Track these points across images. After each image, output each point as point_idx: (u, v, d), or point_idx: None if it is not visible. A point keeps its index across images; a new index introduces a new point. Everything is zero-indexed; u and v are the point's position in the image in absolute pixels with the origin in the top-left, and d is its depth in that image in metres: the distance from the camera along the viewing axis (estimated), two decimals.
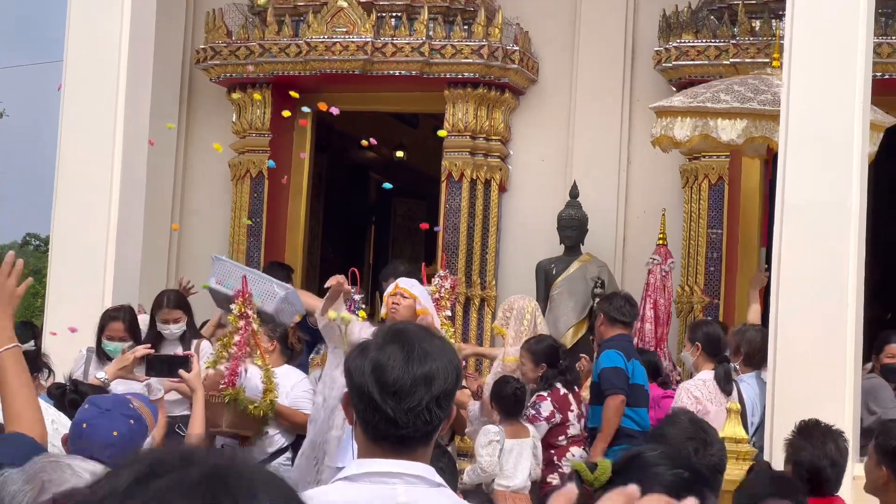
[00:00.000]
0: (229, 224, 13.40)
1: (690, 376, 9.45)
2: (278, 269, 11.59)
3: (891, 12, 11.53)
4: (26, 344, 11.24)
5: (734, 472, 6.18)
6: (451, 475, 6.44)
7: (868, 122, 8.51)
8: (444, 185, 12.88)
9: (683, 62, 12.00)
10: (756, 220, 12.12)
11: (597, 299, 11.54)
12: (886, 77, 11.06)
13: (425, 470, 3.20)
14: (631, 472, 3.06)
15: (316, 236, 14.60)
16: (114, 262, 9.64)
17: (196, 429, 6.68)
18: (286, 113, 12.32)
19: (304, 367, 9.61)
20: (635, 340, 11.12)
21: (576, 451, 9.07)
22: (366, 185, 18.32)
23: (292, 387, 8.56)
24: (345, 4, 11.65)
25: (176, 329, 8.95)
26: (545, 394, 9.13)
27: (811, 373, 8.18)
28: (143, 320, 9.35)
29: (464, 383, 8.92)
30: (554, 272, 12.22)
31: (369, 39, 12.55)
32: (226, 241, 13.37)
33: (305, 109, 10.20)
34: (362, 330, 7.49)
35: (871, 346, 10.02)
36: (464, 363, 9.33)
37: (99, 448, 4.67)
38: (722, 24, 11.99)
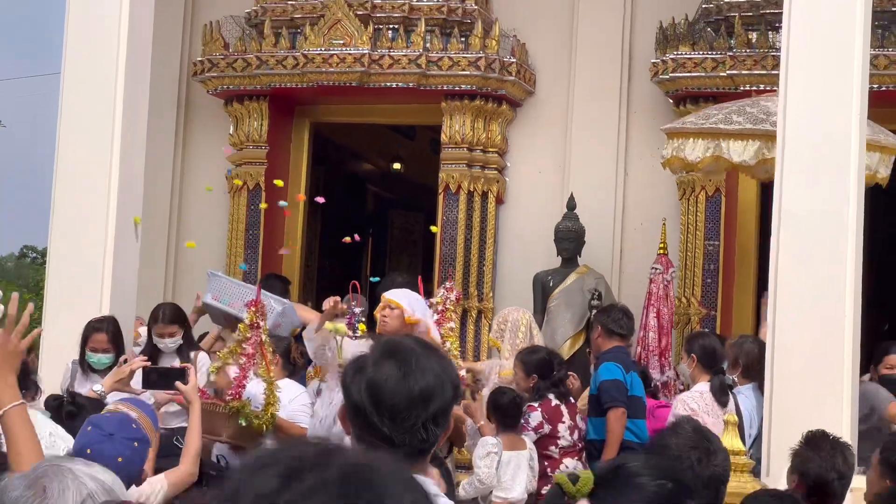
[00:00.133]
0: (226, 236, 13.40)
1: (689, 387, 9.45)
2: (275, 281, 11.59)
3: (887, 24, 11.55)
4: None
5: (732, 483, 6.17)
6: (447, 486, 6.43)
7: (864, 132, 8.50)
8: (441, 197, 12.88)
9: (680, 74, 12.00)
10: (753, 232, 12.13)
11: (594, 311, 11.54)
12: (883, 88, 11.08)
13: (421, 481, 3.19)
14: (614, 484, 3.06)
15: (313, 248, 14.60)
16: (111, 274, 9.62)
17: (193, 441, 6.67)
18: (263, 205, 12.28)
19: (303, 380, 9.60)
20: (637, 349, 11.13)
21: (569, 463, 9.06)
22: (363, 196, 18.32)
23: (290, 400, 8.55)
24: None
25: (171, 343, 8.95)
26: (535, 404, 9.12)
27: (808, 384, 8.17)
28: (144, 332, 9.35)
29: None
30: (551, 284, 12.23)
31: (366, 51, 12.56)
32: (223, 252, 13.38)
33: (282, 204, 10.22)
34: (358, 347, 7.49)
35: (869, 357, 10.02)
36: (463, 374, 9.31)
37: None
38: (719, 36, 12.00)
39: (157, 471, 5.97)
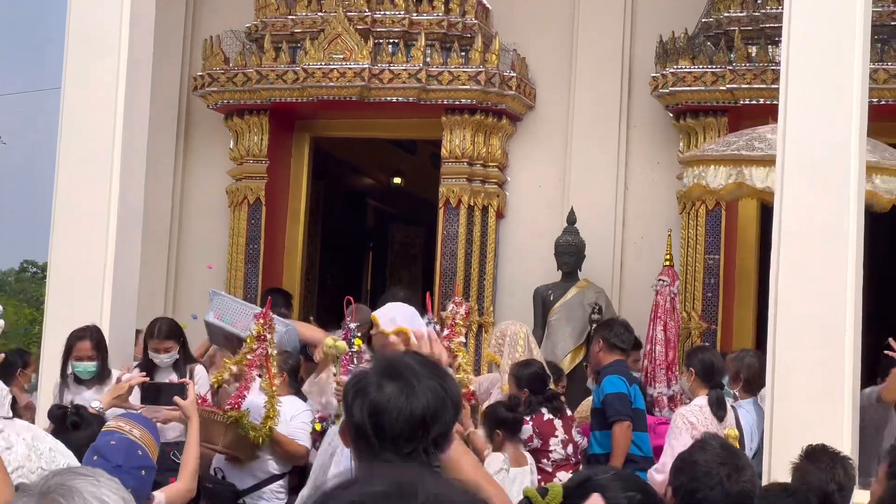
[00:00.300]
0: (227, 250, 13.40)
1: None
2: (278, 295, 11.57)
3: (887, 38, 11.56)
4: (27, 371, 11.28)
5: None
6: None
7: (864, 146, 8.50)
8: (441, 212, 12.88)
9: (680, 88, 12.01)
10: (753, 246, 12.12)
11: (594, 325, 11.53)
12: (883, 103, 11.08)
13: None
14: (583, 496, 3.05)
15: (314, 262, 14.60)
16: (111, 288, 9.61)
17: (191, 456, 6.65)
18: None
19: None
20: (644, 363, 11.09)
21: (564, 476, 9.03)
22: (363, 211, 18.33)
23: (292, 417, 8.53)
24: None
25: (167, 358, 8.93)
26: (527, 418, 9.10)
27: (809, 398, 8.16)
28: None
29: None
30: (551, 298, 12.23)
31: (366, 66, 12.57)
32: (223, 267, 13.37)
33: (194, 316, 10.30)
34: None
35: (870, 372, 9.99)
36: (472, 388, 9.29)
37: None
38: (719, 51, 12.02)
39: (155, 485, 5.96)
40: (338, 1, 12.88)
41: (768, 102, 11.02)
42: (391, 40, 12.86)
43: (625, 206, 12.83)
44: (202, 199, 13.89)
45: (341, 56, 12.66)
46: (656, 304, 11.41)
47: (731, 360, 9.44)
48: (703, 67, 11.96)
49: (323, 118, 13.61)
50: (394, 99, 12.68)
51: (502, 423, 8.78)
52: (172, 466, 7.19)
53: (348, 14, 12.76)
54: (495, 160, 12.97)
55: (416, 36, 12.74)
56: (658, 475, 8.53)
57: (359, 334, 8.30)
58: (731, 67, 11.82)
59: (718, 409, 8.59)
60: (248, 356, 8.08)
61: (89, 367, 8.69)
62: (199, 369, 9.04)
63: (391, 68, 12.61)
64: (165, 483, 6.23)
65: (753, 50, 11.85)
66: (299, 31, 13.01)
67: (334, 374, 8.77)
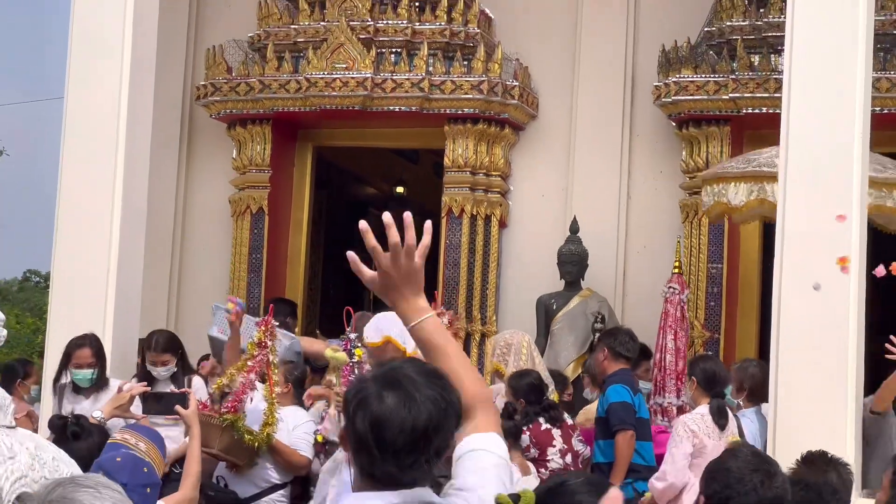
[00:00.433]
0: (230, 260, 13.40)
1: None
2: (283, 305, 11.58)
3: (889, 47, 11.56)
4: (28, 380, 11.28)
5: None
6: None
7: (867, 154, 8.51)
8: (444, 221, 12.88)
9: (683, 97, 12.01)
10: (756, 255, 12.11)
11: (597, 334, 11.51)
12: (885, 112, 11.07)
13: (422, 493, 3.19)
14: (555, 502, 3.05)
15: (316, 272, 14.59)
16: (114, 298, 9.62)
17: (193, 466, 6.64)
18: None
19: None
20: (654, 372, 11.05)
21: None
22: (366, 220, 18.32)
23: (294, 427, 8.53)
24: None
25: (164, 371, 8.91)
26: (524, 427, 9.08)
27: (812, 407, 8.15)
28: None
29: None
30: (554, 307, 12.22)
31: (369, 75, 12.57)
32: (226, 276, 13.37)
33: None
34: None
35: (874, 381, 9.98)
36: None
37: None
38: (721, 59, 12.02)
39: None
40: (340, 10, 12.89)
41: (771, 111, 11.00)
42: (394, 49, 12.86)
43: (627, 216, 12.82)
44: (205, 209, 13.89)
45: (344, 65, 12.66)
46: (665, 312, 11.33)
47: (734, 370, 9.43)
48: (705, 76, 11.96)
49: (325, 128, 13.61)
50: (396, 108, 12.68)
51: (507, 434, 8.74)
52: (174, 478, 7.19)
53: (351, 23, 12.77)
54: (498, 169, 12.97)
55: (418, 45, 12.74)
56: (658, 483, 8.53)
57: (359, 344, 8.30)
58: (733, 76, 11.81)
59: (719, 417, 8.58)
60: (249, 363, 8.09)
61: (88, 374, 8.69)
62: (197, 380, 9.03)
63: (394, 78, 12.61)
64: (166, 494, 6.22)
65: (756, 59, 11.85)
66: (302, 40, 13.01)
67: (334, 385, 8.77)
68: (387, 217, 3.56)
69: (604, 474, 9.04)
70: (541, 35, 13.20)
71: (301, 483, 8.64)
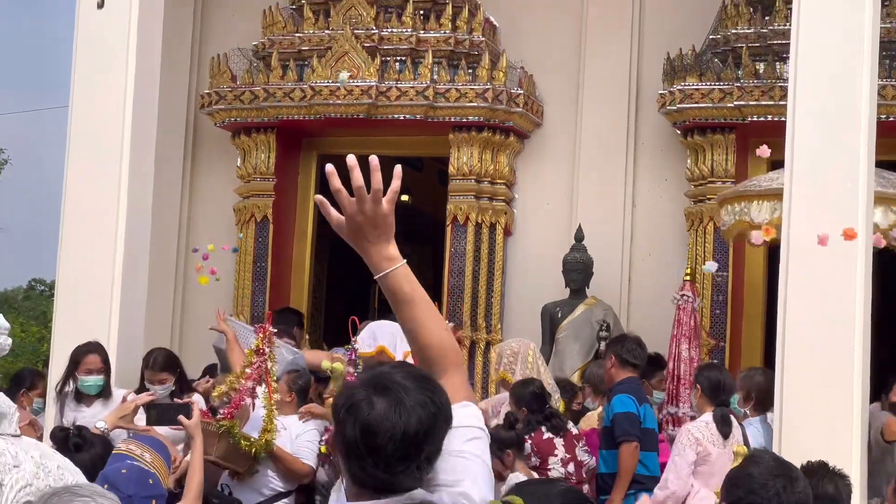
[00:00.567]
0: (234, 268, 13.39)
1: None
2: (290, 315, 11.57)
3: (895, 55, 11.55)
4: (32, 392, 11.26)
5: None
6: None
7: (873, 162, 8.50)
8: (449, 229, 12.87)
9: (688, 105, 12.00)
10: (761, 263, 12.10)
11: (602, 342, 11.49)
12: (891, 119, 11.06)
13: (421, 494, 3.18)
14: None
15: (321, 280, 14.59)
16: (119, 306, 9.62)
17: (196, 476, 6.63)
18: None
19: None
20: (667, 382, 10.95)
21: None
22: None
23: (298, 435, 8.53)
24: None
25: (162, 390, 8.91)
26: (526, 436, 9.06)
27: (818, 415, 8.14)
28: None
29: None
30: (559, 315, 12.21)
31: (373, 83, 12.57)
32: (231, 285, 13.36)
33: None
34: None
35: (879, 387, 9.97)
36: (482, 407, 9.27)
37: None
38: (726, 67, 12.00)
39: None
40: (345, 18, 12.89)
41: (776, 119, 11.01)
42: (398, 58, 12.86)
43: (632, 224, 12.81)
44: (209, 217, 13.88)
45: (348, 73, 12.66)
46: (678, 320, 11.17)
47: (740, 379, 9.42)
48: (710, 84, 11.95)
49: (330, 136, 13.61)
50: (401, 116, 12.68)
51: (510, 444, 8.73)
52: (177, 494, 7.17)
53: (355, 31, 12.77)
54: (503, 177, 12.96)
55: (423, 53, 12.74)
56: (660, 492, 8.54)
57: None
58: (738, 84, 11.80)
59: (723, 425, 8.57)
60: (248, 370, 8.09)
61: (98, 380, 8.68)
62: (196, 398, 9.02)
63: (398, 86, 12.61)
64: None
65: (761, 66, 11.84)
66: (306, 48, 13.01)
67: (329, 395, 8.78)
68: (350, 159, 3.48)
69: (607, 485, 9.03)
70: (545, 43, 13.20)
71: (305, 492, 8.63)
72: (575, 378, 11.71)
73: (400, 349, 8.17)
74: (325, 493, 8.12)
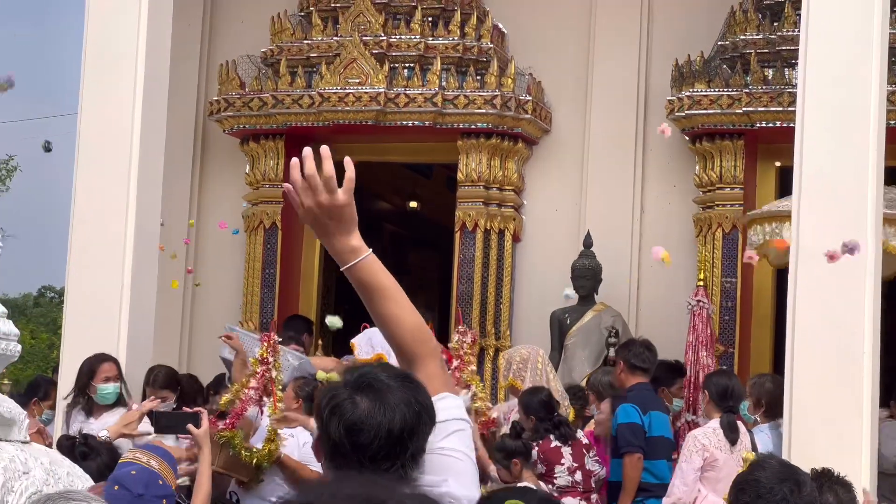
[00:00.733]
0: (243, 275, 13.40)
1: None
2: (300, 322, 11.57)
3: None
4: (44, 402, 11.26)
5: None
6: None
7: (882, 168, 8.49)
8: (457, 236, 12.87)
9: (696, 111, 11.99)
10: (770, 270, 12.08)
11: (611, 349, 11.48)
12: None
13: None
14: None
15: (330, 287, 14.59)
16: (128, 313, 9.63)
17: (202, 487, 6.63)
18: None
19: None
20: (687, 392, 10.82)
21: (570, 502, 8.99)
22: (379, 235, 18.32)
23: (304, 443, 8.52)
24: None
25: (163, 407, 8.91)
26: (533, 444, 9.05)
27: (827, 422, 8.14)
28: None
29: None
30: (568, 322, 12.20)
31: (382, 90, 12.57)
32: (240, 292, 13.37)
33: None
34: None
35: (888, 393, 9.96)
36: (494, 416, 9.24)
37: None
38: (735, 73, 12.00)
39: None
40: (353, 25, 12.90)
41: (785, 125, 10.99)
42: (407, 64, 12.87)
43: (641, 229, 12.80)
44: (218, 223, 13.88)
45: (357, 80, 12.67)
46: (693, 326, 11.13)
47: (749, 386, 9.42)
48: (719, 90, 11.94)
49: (339, 142, 13.58)
50: (409, 123, 12.68)
51: (517, 453, 8.72)
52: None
53: (364, 38, 12.78)
54: (511, 184, 12.96)
55: (431, 60, 12.74)
56: (666, 499, 8.54)
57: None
58: (747, 90, 11.79)
59: (730, 432, 8.57)
60: (252, 380, 8.09)
61: (116, 388, 8.69)
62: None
63: (407, 92, 12.62)
64: None
65: (770, 72, 11.83)
66: (315, 55, 13.02)
67: None
68: (305, 151, 3.44)
69: (616, 493, 9.07)
70: (554, 49, 13.20)
71: None
72: (584, 384, 11.70)
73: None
74: None
